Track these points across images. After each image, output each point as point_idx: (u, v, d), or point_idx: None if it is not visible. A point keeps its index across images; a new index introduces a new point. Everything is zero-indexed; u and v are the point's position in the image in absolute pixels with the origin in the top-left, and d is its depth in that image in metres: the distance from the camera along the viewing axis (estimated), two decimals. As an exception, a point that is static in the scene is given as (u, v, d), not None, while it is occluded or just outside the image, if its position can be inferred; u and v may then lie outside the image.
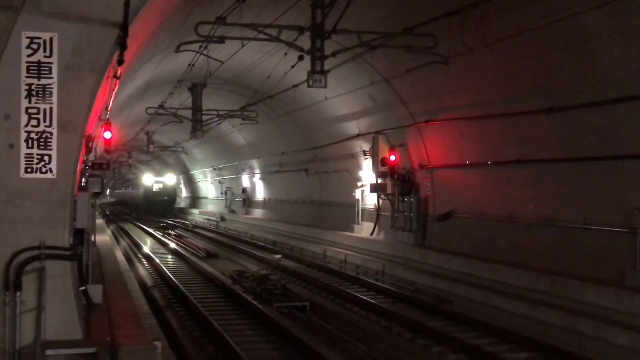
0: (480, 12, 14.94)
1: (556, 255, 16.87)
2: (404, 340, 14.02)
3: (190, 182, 70.58)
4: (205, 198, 63.06)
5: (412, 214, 23.29)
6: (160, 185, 67.04)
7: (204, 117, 31.58)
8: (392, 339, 14.10)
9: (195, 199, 69.94)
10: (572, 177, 16.52)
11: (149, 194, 66.32)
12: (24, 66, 8.65)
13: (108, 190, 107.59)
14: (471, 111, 19.12)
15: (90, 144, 15.64)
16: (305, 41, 16.35)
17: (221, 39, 16.83)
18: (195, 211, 64.07)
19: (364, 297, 17.72)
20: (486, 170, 19.83)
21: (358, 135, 26.46)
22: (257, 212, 44.05)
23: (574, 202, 16.43)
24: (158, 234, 40.21)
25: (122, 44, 9.11)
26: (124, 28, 8.76)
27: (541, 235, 17.59)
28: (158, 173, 76.52)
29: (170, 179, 68.17)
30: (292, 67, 19.15)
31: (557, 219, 16.92)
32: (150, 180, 67.57)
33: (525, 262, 17.57)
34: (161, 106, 31.89)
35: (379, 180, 24.60)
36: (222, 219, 48.62)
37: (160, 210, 64.05)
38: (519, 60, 16.60)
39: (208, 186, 60.05)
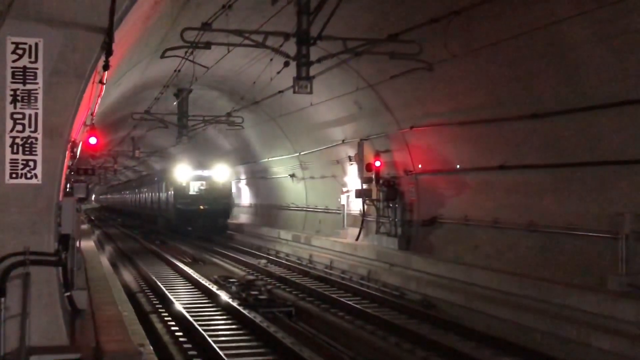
0: (464, 19, 14.99)
1: (540, 260, 16.94)
2: (389, 344, 14.03)
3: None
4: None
5: (397, 219, 23.35)
6: (204, 184, 41.26)
7: (190, 123, 31.57)
8: (377, 343, 14.11)
9: None
10: (555, 182, 16.60)
11: (182, 198, 40.48)
12: (9, 71, 8.61)
13: (93, 196, 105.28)
14: (455, 117, 19.19)
15: (75, 150, 15.60)
16: (291, 47, 16.38)
17: (207, 45, 16.85)
18: None
19: (349, 302, 17.69)
20: (470, 176, 19.90)
21: (344, 141, 26.49)
22: (243, 217, 44.14)
23: (557, 207, 16.52)
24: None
25: (107, 50, 9.08)
26: (109, 34, 8.74)
27: (525, 240, 17.66)
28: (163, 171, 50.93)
29: (221, 172, 41.44)
30: (278, 73, 19.14)
31: (541, 224, 16.99)
32: (186, 174, 41.08)
33: (510, 267, 17.64)
34: (147, 112, 31.85)
35: (364, 186, 24.65)
36: None
37: (202, 224, 40.09)
38: (503, 67, 16.69)
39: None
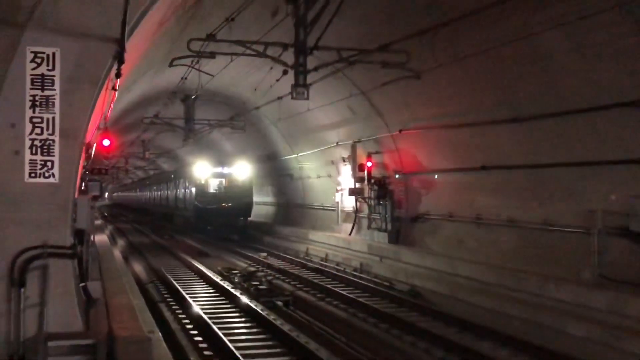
0: (450, 30, 15.02)
1: (519, 253, 16.98)
2: (379, 330, 14.05)
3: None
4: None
5: (387, 216, 23.38)
6: (223, 182, 36.30)
7: (196, 126, 31.56)
8: (368, 330, 14.12)
9: None
10: (533, 182, 16.63)
11: (202, 196, 35.45)
12: (28, 79, 8.62)
13: (107, 194, 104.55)
14: (441, 121, 19.21)
15: (89, 151, 15.57)
16: (289, 57, 16.39)
17: (211, 55, 16.87)
18: None
19: (343, 292, 17.71)
20: (455, 176, 19.93)
21: (338, 144, 26.50)
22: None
23: (535, 205, 16.55)
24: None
25: (119, 59, 9.08)
26: (121, 44, 8.75)
27: (505, 235, 17.69)
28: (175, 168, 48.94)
29: (242, 170, 36.29)
30: (277, 80, 19.15)
31: (520, 220, 17.03)
32: (205, 171, 35.88)
33: (491, 260, 17.68)
34: (156, 116, 31.85)
35: (357, 185, 24.66)
36: None
37: (224, 222, 34.94)
38: (486, 75, 16.70)
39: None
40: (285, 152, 33.07)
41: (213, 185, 35.74)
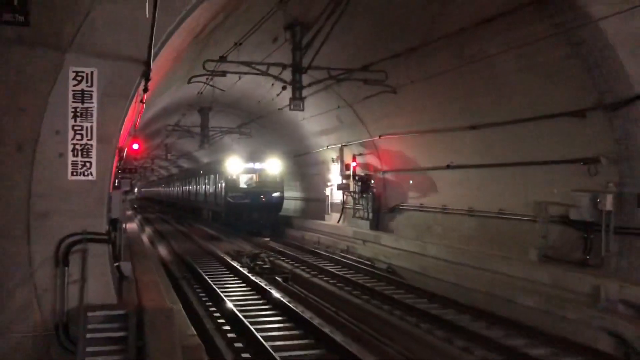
0: (420, 53, 15.05)
1: (478, 237, 17.04)
2: (362, 300, 14.08)
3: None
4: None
5: (368, 207, 23.40)
6: (254, 177, 30.92)
7: (210, 133, 31.49)
8: (352, 300, 14.15)
9: None
10: (489, 178, 16.69)
11: (234, 191, 30.28)
12: (70, 94, 8.60)
13: (136, 189, 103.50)
14: (413, 128, 19.25)
15: (122, 153, 15.53)
16: (287, 75, 16.40)
17: (223, 73, 16.84)
18: None
19: (332, 270, 17.74)
20: (425, 174, 19.97)
21: (328, 147, 26.51)
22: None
23: (491, 197, 16.61)
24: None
25: (146, 77, 9.07)
26: (148, 64, 8.74)
27: (466, 222, 17.75)
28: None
29: (273, 165, 31.07)
30: (278, 95, 19.15)
31: (479, 210, 17.09)
32: (237, 167, 30.69)
33: (455, 243, 17.73)
34: (177, 124, 31.76)
35: (344, 181, 24.66)
36: None
37: (254, 219, 29.97)
38: (450, 90, 16.74)
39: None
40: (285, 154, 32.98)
41: (244, 181, 30.64)
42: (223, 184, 30.86)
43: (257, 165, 30.64)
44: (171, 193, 58.28)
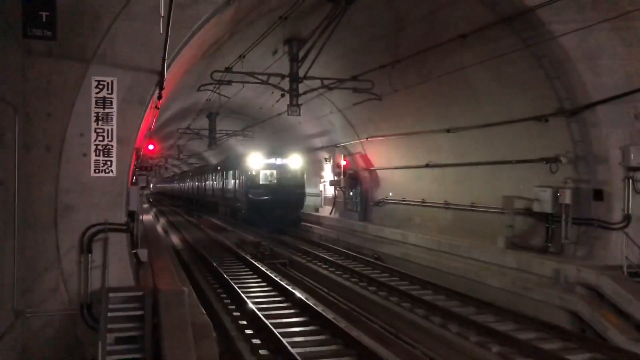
0: (402, 66, 15.04)
1: (453, 227, 17.08)
2: (351, 283, 14.12)
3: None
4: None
5: (357, 200, 23.40)
6: (275, 173, 26.89)
7: (217, 135, 31.39)
8: (343, 282, 14.19)
9: None
10: (463, 175, 16.73)
11: (255, 188, 26.35)
12: (93, 100, 8.61)
13: (151, 185, 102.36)
14: (396, 131, 19.27)
15: (139, 153, 15.48)
16: (285, 84, 16.38)
17: (228, 82, 16.79)
18: None
19: (325, 256, 17.76)
20: (407, 171, 19.99)
21: (321, 148, 26.48)
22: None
23: (465, 192, 16.66)
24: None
25: (160, 85, 9.06)
26: (162, 74, 8.73)
27: (443, 214, 17.79)
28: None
29: (295, 161, 27.36)
30: (277, 101, 19.11)
31: (453, 203, 17.13)
32: (258, 162, 26.81)
33: (432, 232, 17.77)
34: (188, 127, 31.66)
35: (335, 178, 24.66)
36: None
37: (275, 216, 25.94)
38: (429, 98, 16.76)
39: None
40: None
41: (266, 177, 26.25)
42: (244, 180, 26.57)
43: (279, 161, 26.48)
44: (186, 188, 53.51)
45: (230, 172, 30.24)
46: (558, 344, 9.32)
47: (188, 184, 52.33)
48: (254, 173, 26.17)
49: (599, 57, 11.60)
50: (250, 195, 25.79)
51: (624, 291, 10.22)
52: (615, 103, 11.37)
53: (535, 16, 11.46)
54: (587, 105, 11.88)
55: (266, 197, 25.65)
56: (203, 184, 41.36)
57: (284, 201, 25.60)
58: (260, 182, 26.09)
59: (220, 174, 33.72)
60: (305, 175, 26.75)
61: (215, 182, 35.75)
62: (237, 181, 28.11)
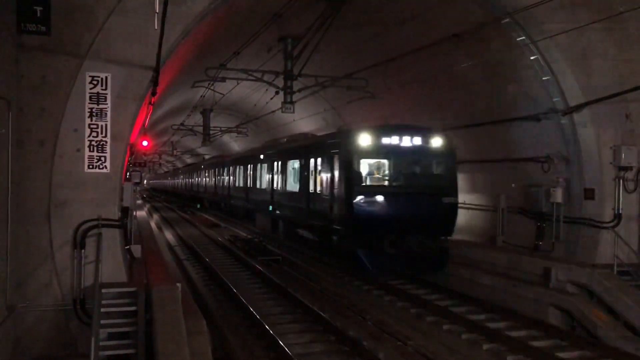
0: (397, 64, 15.06)
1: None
2: (342, 280, 14.12)
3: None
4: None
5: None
6: (404, 165, 12.86)
7: (211, 132, 31.32)
8: (334, 280, 14.19)
9: None
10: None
11: (367, 191, 12.40)
12: (87, 96, 8.60)
13: (145, 181, 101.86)
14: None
15: (133, 149, 15.45)
16: (280, 81, 16.36)
17: (223, 79, 16.75)
18: None
19: (316, 254, 17.69)
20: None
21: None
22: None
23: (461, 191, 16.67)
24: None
25: (154, 82, 9.04)
26: (156, 71, 8.71)
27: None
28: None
29: (440, 145, 13.07)
30: (271, 99, 19.07)
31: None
32: (371, 144, 12.54)
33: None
34: (182, 124, 31.59)
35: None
36: None
37: (411, 251, 12.38)
38: (423, 97, 16.79)
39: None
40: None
41: (389, 173, 13.60)
42: (340, 176, 13.49)
43: (411, 143, 13.45)
44: (191, 185, 42.92)
45: (297, 164, 17.14)
46: (548, 342, 9.38)
47: (195, 180, 41.72)
48: (362, 165, 13.28)
49: (591, 58, 11.67)
50: (358, 205, 12.76)
51: (614, 289, 10.30)
52: (607, 103, 11.44)
53: (527, 16, 11.51)
54: (578, 106, 11.95)
55: (389, 210, 12.87)
56: (223, 180, 30.52)
57: (422, 218, 12.98)
58: (378, 183, 13.41)
59: (267, 164, 20.92)
60: (457, 172, 13.92)
61: (249, 179, 24.15)
62: (318, 178, 14.85)
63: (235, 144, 40.13)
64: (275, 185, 19.68)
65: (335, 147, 14.01)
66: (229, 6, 10.59)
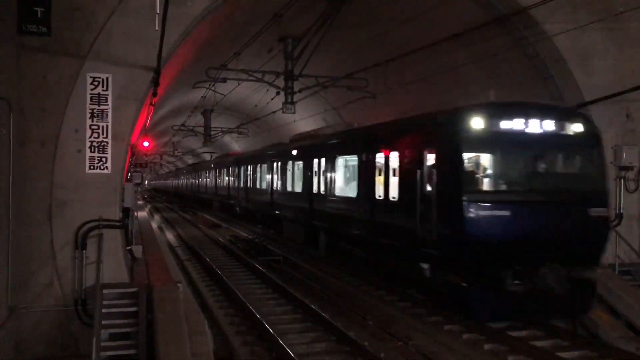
0: (397, 64, 15.05)
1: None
2: (342, 282, 14.10)
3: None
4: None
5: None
6: (531, 159, 8.57)
7: (212, 132, 31.38)
8: (333, 281, 14.18)
9: None
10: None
11: (483, 197, 8.27)
12: (88, 97, 8.60)
13: (146, 181, 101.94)
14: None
15: (134, 150, 15.46)
16: (280, 82, 16.35)
17: (223, 79, 16.76)
18: None
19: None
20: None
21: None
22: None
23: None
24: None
25: (155, 82, 9.05)
26: (157, 71, 8.72)
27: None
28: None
29: (582, 132, 8.72)
30: (272, 99, 19.08)
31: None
32: (484, 128, 8.17)
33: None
34: (183, 124, 31.63)
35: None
36: None
37: (549, 287, 7.89)
38: (423, 96, 16.77)
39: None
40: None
41: (514, 170, 9.19)
42: (440, 178, 9.34)
43: (535, 128, 9.17)
44: (198, 186, 40.47)
45: (353, 161, 13.99)
46: (549, 342, 9.36)
47: (203, 180, 38.42)
48: (473, 161, 9.60)
49: (592, 57, 11.66)
50: (471, 222, 8.63)
51: (615, 289, 10.28)
52: (607, 103, 11.43)
53: (528, 16, 11.50)
54: (579, 105, 11.93)
55: (519, 229, 8.71)
56: (242, 180, 26.70)
57: (564, 239, 8.96)
58: (496, 188, 9.25)
59: (300, 164, 18.02)
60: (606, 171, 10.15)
61: (275, 178, 20.92)
62: (393, 181, 11.44)
63: (236, 145, 40.16)
64: (315, 187, 15.81)
65: (428, 135, 9.89)
66: (230, 7, 10.60)
